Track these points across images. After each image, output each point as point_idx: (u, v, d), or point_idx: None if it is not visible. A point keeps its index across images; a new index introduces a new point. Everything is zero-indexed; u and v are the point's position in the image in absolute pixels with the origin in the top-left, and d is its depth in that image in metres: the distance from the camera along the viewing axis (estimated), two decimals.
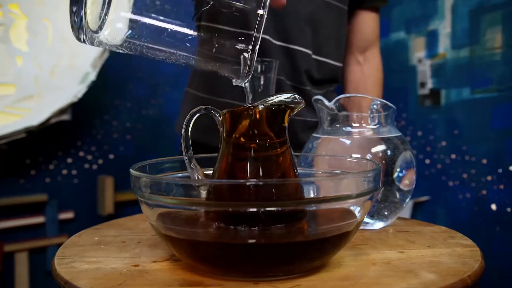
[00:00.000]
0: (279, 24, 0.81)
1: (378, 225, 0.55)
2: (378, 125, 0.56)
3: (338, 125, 0.56)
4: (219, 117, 0.43)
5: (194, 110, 0.44)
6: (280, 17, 0.81)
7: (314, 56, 0.84)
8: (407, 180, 0.54)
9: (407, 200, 0.55)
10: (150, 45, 0.38)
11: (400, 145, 0.55)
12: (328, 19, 0.85)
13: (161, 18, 0.37)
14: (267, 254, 0.36)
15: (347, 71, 0.96)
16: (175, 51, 0.39)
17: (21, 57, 1.49)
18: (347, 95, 0.55)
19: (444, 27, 1.46)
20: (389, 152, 0.53)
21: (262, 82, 0.65)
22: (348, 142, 0.54)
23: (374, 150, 0.53)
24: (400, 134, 0.57)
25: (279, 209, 0.36)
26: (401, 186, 0.54)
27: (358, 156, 0.52)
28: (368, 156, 0.53)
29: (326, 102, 0.55)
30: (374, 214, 0.54)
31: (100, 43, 0.37)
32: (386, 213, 0.54)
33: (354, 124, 0.56)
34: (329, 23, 0.86)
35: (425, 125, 1.54)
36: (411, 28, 1.57)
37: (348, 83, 0.96)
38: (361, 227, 0.54)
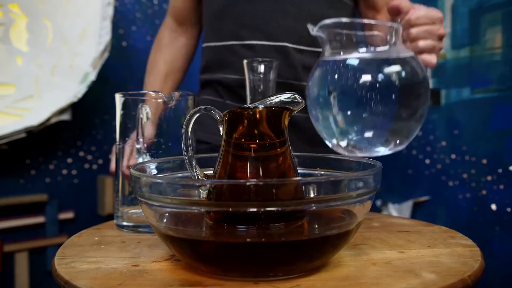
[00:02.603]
0: (268, 26, 0.81)
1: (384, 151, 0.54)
2: (388, 46, 0.54)
3: (348, 48, 0.54)
4: (219, 117, 0.43)
5: (194, 110, 0.44)
6: (267, 18, 0.81)
7: (307, 48, 0.83)
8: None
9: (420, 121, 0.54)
10: None
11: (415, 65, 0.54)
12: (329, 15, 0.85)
13: None
14: (267, 254, 0.36)
15: None
16: None
17: (21, 57, 1.49)
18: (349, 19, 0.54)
19: (444, 27, 1.46)
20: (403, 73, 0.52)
21: (262, 82, 0.65)
22: (358, 62, 0.52)
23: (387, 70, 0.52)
24: (412, 54, 0.56)
25: (279, 209, 0.36)
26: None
27: (369, 77, 0.51)
28: (381, 77, 0.51)
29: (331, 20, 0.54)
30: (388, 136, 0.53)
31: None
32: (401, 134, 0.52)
33: (366, 45, 0.54)
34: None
35: (425, 125, 1.54)
36: None
37: None
38: (369, 155, 0.53)
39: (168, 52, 0.95)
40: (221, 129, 0.43)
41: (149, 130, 0.57)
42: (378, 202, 1.68)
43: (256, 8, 0.80)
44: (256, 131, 0.40)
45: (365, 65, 0.52)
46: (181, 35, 0.95)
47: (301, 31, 0.82)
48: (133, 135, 0.57)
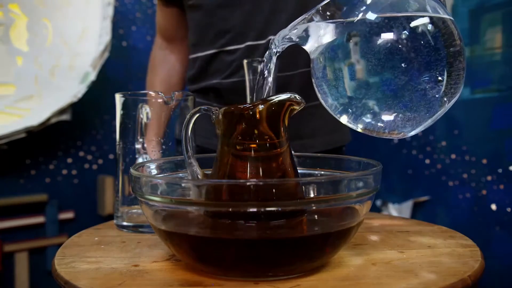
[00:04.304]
0: (248, 28, 0.80)
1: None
2: None
3: None
4: (219, 117, 0.43)
5: (194, 110, 0.44)
6: (245, 21, 0.80)
7: None
8: None
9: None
10: None
11: None
12: None
13: None
14: (267, 252, 0.36)
15: None
16: None
17: (21, 57, 1.49)
18: None
19: None
20: None
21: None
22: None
23: None
24: None
25: (279, 209, 0.36)
26: None
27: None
28: None
29: None
30: None
31: None
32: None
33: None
34: None
35: None
36: None
37: None
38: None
39: (161, 71, 0.97)
40: (219, 128, 0.43)
41: (157, 130, 0.57)
42: (378, 202, 1.68)
43: (234, 14, 0.81)
44: (256, 131, 0.40)
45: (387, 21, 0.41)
46: (172, 52, 0.97)
47: (283, 21, 0.81)
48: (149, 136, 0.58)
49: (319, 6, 0.43)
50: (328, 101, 0.45)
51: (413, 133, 0.46)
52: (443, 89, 0.44)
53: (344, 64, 0.42)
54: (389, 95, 0.42)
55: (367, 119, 0.44)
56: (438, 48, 0.42)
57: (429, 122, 0.46)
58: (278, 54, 0.46)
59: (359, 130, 0.46)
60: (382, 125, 0.44)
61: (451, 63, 0.43)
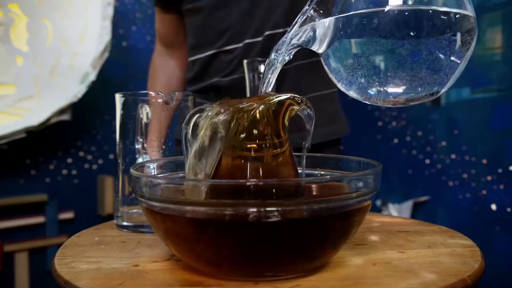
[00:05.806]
0: (245, 26, 0.81)
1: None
2: None
3: None
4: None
5: (194, 110, 0.44)
6: (242, 20, 0.81)
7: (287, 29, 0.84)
8: None
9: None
10: None
11: None
12: None
13: None
14: (267, 252, 0.36)
15: None
16: None
17: (21, 57, 1.49)
18: None
19: None
20: None
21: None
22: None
23: None
24: None
25: (279, 209, 0.36)
26: None
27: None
28: None
29: None
30: None
31: None
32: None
33: None
34: None
35: (425, 125, 1.54)
36: None
37: None
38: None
39: (162, 77, 0.98)
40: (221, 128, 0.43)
41: (157, 131, 0.57)
42: (378, 202, 1.68)
43: (231, 13, 0.81)
44: (256, 131, 0.40)
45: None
46: (172, 58, 0.99)
47: (278, 17, 0.81)
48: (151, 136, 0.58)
49: (314, 6, 0.43)
50: (354, 89, 0.45)
51: (443, 90, 0.45)
52: (458, 41, 0.44)
53: (360, 48, 0.42)
54: (412, 59, 0.41)
55: (400, 87, 0.43)
56: (445, 12, 0.42)
57: (454, 76, 0.45)
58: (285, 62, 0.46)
59: (390, 104, 0.45)
60: (414, 89, 0.43)
61: (460, 21, 0.43)
